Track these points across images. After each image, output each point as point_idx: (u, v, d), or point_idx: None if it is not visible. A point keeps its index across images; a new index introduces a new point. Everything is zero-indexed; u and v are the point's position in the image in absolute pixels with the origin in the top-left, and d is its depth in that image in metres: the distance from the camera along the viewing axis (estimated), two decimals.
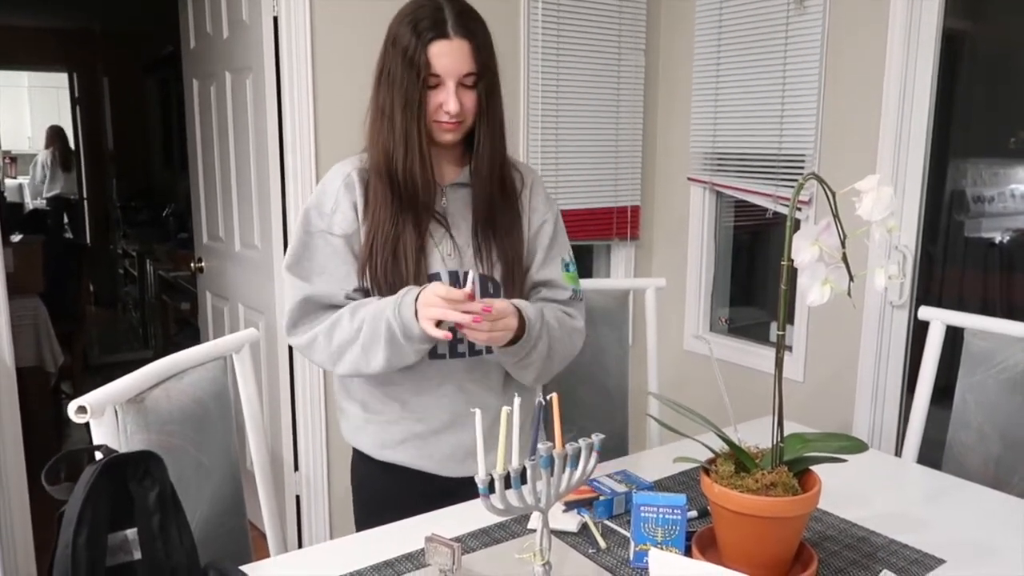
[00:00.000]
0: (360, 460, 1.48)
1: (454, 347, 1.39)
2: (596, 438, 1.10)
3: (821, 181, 1.10)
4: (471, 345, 1.39)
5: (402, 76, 1.29)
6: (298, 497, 2.67)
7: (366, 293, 1.37)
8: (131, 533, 0.84)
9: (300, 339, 1.36)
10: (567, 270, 1.49)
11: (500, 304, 1.26)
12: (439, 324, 1.22)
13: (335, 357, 1.34)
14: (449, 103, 1.29)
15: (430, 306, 1.22)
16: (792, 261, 1.10)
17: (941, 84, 2.36)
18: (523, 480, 1.03)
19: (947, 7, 2.30)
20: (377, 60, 1.34)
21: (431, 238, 1.37)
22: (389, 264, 1.33)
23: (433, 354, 1.38)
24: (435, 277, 1.36)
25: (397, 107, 1.30)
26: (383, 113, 1.32)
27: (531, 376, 1.40)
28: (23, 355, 3.12)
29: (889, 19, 2.36)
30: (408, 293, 1.27)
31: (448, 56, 1.28)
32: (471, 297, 1.22)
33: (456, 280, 1.37)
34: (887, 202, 1.07)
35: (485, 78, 1.32)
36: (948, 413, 1.72)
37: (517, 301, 1.34)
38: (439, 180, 1.39)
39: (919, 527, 1.32)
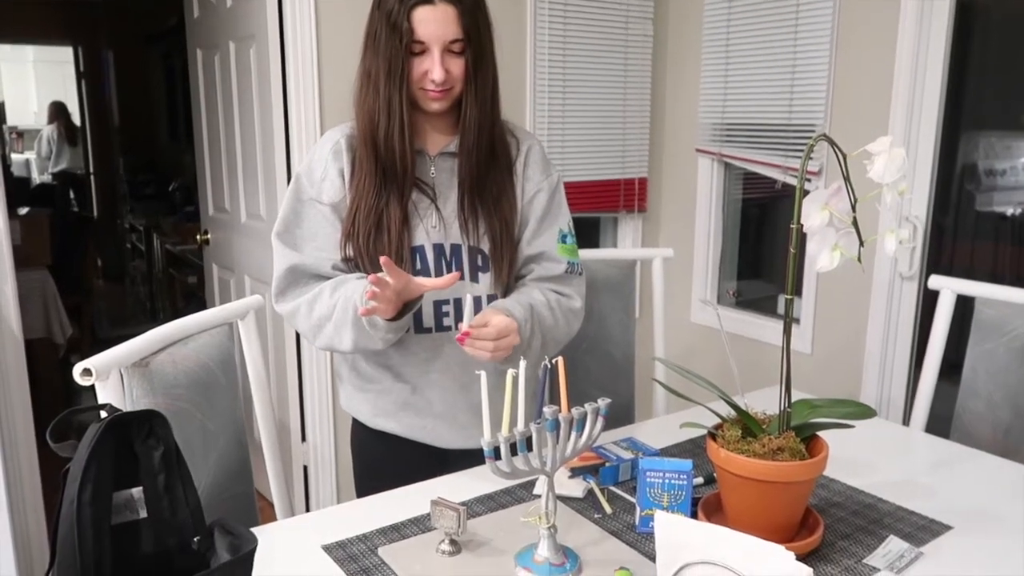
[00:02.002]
0: (357, 427, 1.48)
1: (440, 321, 1.36)
2: (602, 402, 1.09)
3: (832, 143, 1.08)
4: (457, 318, 1.36)
5: (386, 42, 1.25)
6: (305, 468, 2.69)
7: (355, 264, 1.34)
8: (136, 492, 0.84)
9: (285, 307, 1.36)
10: (564, 242, 1.44)
11: (502, 324, 1.23)
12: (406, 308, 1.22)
13: (314, 331, 1.32)
14: (434, 71, 1.25)
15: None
16: (802, 225, 1.08)
17: (954, 55, 2.32)
18: (528, 446, 1.03)
19: None
20: (366, 23, 1.31)
21: (415, 210, 1.34)
22: (372, 235, 1.31)
23: (419, 328, 1.36)
24: (418, 250, 1.33)
25: (381, 73, 1.26)
26: (369, 78, 1.29)
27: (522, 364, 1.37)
28: (32, 327, 3.13)
29: None
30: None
31: (432, 22, 1.23)
32: (458, 278, 1.22)
33: (441, 254, 1.35)
34: (900, 164, 1.05)
35: (473, 44, 1.28)
36: (956, 389, 1.71)
37: (506, 304, 1.30)
38: (428, 150, 1.36)
39: (926, 494, 1.32)
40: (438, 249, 1.35)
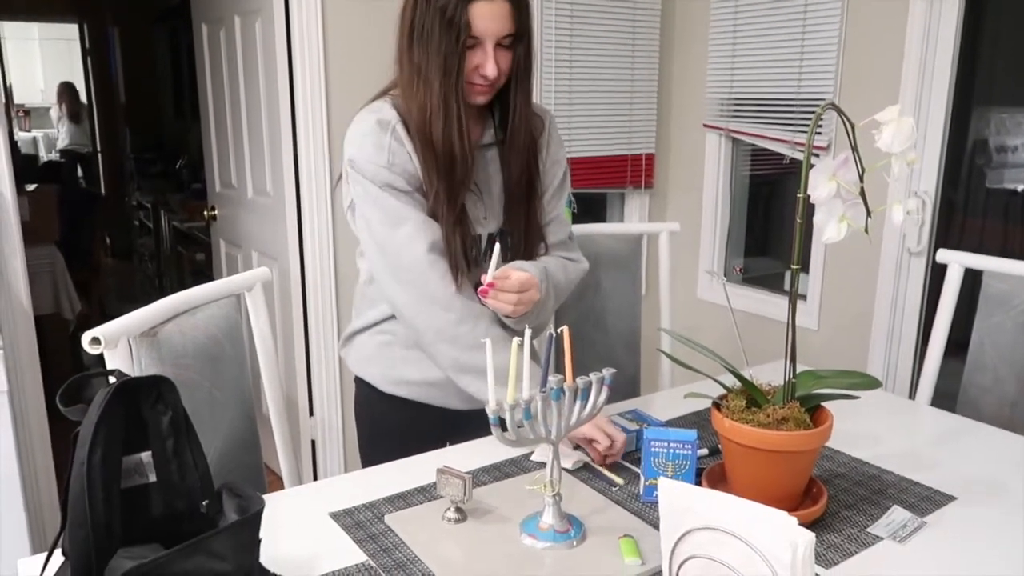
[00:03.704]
0: (367, 391, 1.48)
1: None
2: (607, 372, 1.10)
3: (840, 112, 1.07)
4: None
5: (440, 37, 1.21)
6: (313, 442, 2.71)
7: None
8: (145, 456, 0.85)
9: (451, 286, 1.29)
10: (568, 206, 1.50)
11: (524, 277, 1.26)
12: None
13: (475, 337, 1.28)
14: (487, 67, 1.24)
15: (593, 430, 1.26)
16: (808, 196, 1.07)
17: (966, 30, 2.29)
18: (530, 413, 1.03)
19: None
20: (403, 6, 1.27)
21: (467, 202, 1.34)
22: (441, 225, 1.30)
23: None
24: (475, 240, 1.35)
25: (434, 70, 1.23)
26: (420, 73, 1.25)
27: (526, 322, 1.39)
28: (41, 303, 3.15)
29: None
30: None
31: (489, 18, 1.21)
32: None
33: (489, 241, 1.37)
34: (908, 133, 1.04)
35: (523, 39, 1.27)
36: (962, 366, 1.71)
37: (523, 264, 1.32)
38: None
39: (931, 466, 1.32)
40: (488, 237, 1.38)
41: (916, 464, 1.32)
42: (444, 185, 1.29)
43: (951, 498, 1.21)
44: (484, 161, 1.37)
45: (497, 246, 1.27)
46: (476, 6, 1.21)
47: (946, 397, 1.75)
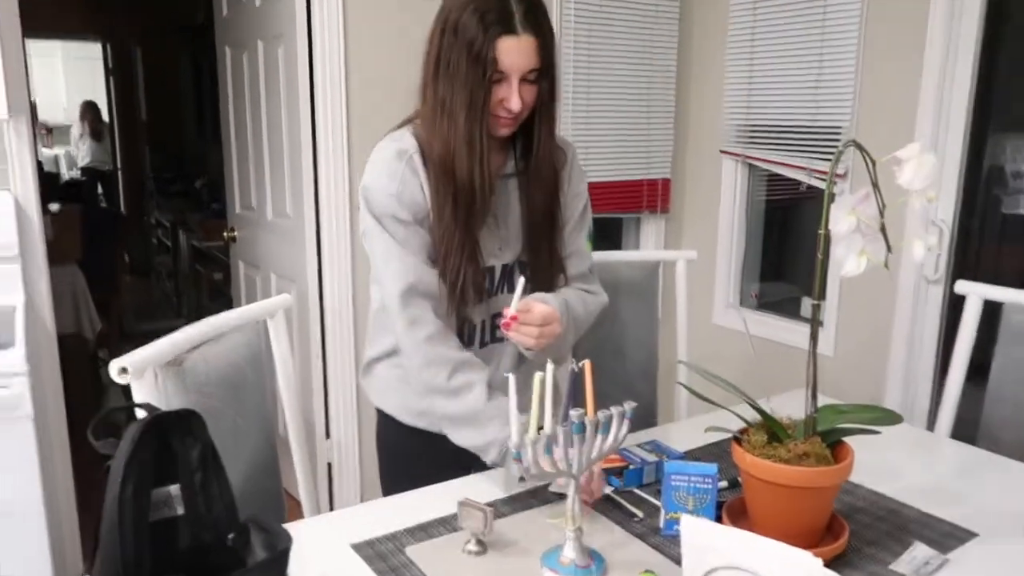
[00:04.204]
0: (387, 422, 1.49)
1: (494, 333, 1.41)
2: (628, 406, 1.10)
3: (861, 149, 1.08)
4: (488, 335, 1.41)
5: (466, 72, 1.23)
6: (329, 464, 2.72)
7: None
8: (174, 489, 0.86)
9: (422, 330, 1.31)
10: (589, 239, 1.50)
11: (546, 311, 1.27)
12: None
13: (439, 383, 1.31)
14: (512, 101, 1.25)
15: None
16: (829, 231, 1.08)
17: (984, 56, 2.29)
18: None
19: None
20: (429, 40, 1.28)
21: (484, 232, 1.36)
22: (450, 263, 1.31)
23: (482, 344, 1.41)
24: (488, 271, 1.36)
25: (459, 103, 1.24)
26: (444, 107, 1.26)
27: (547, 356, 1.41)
28: (62, 321, 3.18)
29: None
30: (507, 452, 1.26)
31: (515, 52, 1.22)
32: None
33: (504, 272, 1.39)
34: (929, 171, 1.05)
35: (549, 74, 1.28)
36: (983, 393, 1.70)
37: (544, 296, 1.33)
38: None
39: (952, 500, 1.31)
40: (503, 268, 1.39)
41: (938, 499, 1.31)
42: (461, 216, 1.30)
43: (973, 534, 1.20)
44: (503, 191, 1.38)
45: (521, 280, 1.28)
46: (503, 41, 1.22)
47: (966, 424, 1.74)
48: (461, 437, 1.32)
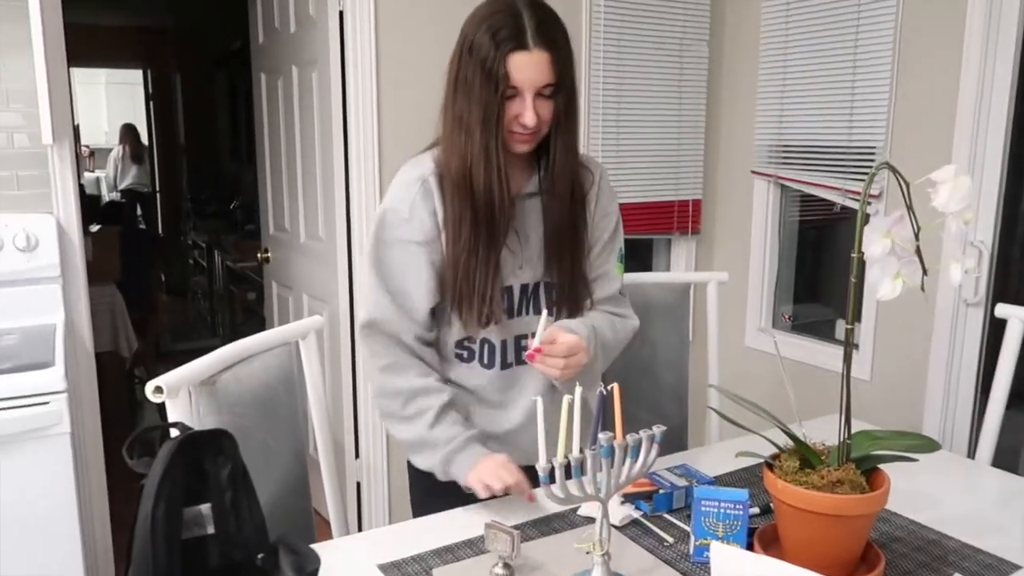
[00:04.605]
0: None
1: (519, 355, 1.40)
2: (657, 430, 1.09)
3: (895, 171, 1.07)
4: (513, 357, 1.41)
5: (480, 88, 1.24)
6: (358, 484, 2.72)
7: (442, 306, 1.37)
8: (205, 508, 0.87)
9: (379, 361, 1.37)
10: (620, 261, 1.49)
11: (572, 341, 1.26)
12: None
13: (391, 411, 1.37)
14: (526, 116, 1.25)
15: (489, 476, 1.26)
16: (863, 254, 1.07)
17: (1022, 72, 2.26)
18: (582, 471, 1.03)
19: None
20: (450, 61, 1.31)
21: (504, 250, 1.36)
22: (469, 282, 1.32)
23: (504, 365, 1.40)
24: (507, 291, 1.36)
25: (475, 120, 1.26)
26: (461, 123, 1.28)
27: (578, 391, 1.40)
28: (100, 340, 3.24)
29: (968, 4, 2.27)
30: (470, 449, 1.31)
31: (527, 68, 1.23)
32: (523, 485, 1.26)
33: (524, 292, 1.38)
34: (965, 192, 1.03)
35: (564, 89, 1.28)
36: (1022, 417, 1.65)
37: (571, 324, 1.33)
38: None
39: (993, 531, 1.27)
40: (523, 288, 1.39)
41: (978, 529, 1.28)
42: (482, 232, 1.31)
43: (1016, 567, 1.16)
44: (526, 210, 1.38)
45: (544, 312, 1.27)
46: (514, 57, 1.23)
47: (1007, 452, 1.69)
48: (419, 460, 1.37)
